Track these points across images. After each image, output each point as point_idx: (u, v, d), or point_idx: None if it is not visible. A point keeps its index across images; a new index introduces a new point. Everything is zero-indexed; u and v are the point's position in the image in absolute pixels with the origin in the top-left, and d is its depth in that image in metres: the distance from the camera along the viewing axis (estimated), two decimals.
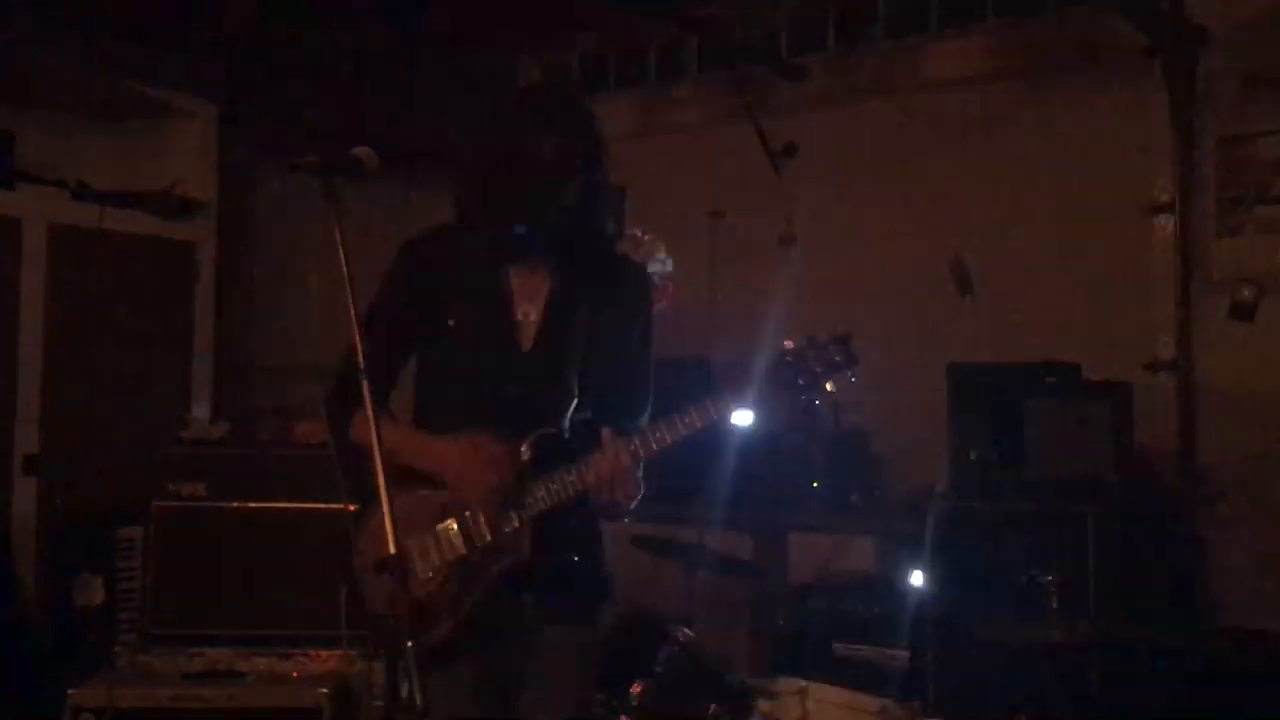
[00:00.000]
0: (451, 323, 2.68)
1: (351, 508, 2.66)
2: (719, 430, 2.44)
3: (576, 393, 2.67)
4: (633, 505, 2.58)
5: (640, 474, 2.60)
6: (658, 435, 2.45)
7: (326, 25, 5.99)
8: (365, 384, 2.24)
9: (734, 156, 6.20)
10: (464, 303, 2.69)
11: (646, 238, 5.66)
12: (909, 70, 5.92)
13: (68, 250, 5.75)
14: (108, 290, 5.88)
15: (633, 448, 2.46)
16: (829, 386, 2.39)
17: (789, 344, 2.41)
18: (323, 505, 4.73)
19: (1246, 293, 4.95)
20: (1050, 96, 5.48)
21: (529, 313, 2.68)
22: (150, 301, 6.08)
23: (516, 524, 2.53)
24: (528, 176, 2.59)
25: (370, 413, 2.22)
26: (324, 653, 4.61)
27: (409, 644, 2.13)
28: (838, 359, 2.40)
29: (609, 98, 6.89)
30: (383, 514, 2.52)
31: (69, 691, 4.44)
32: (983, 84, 5.69)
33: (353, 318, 2.29)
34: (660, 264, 5.71)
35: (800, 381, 2.38)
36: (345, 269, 2.29)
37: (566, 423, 2.66)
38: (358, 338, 2.27)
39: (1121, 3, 5.06)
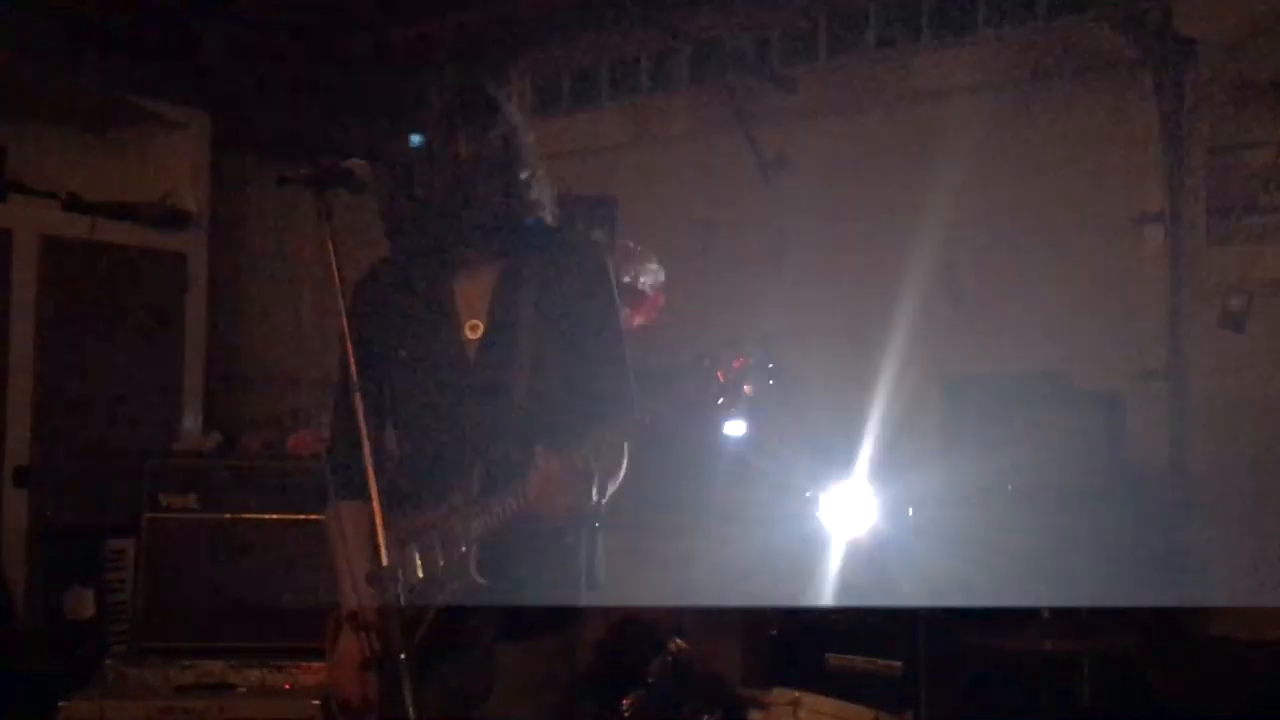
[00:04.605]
0: (403, 353, 2.66)
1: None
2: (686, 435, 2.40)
3: (530, 398, 2.58)
4: (585, 514, 2.54)
5: (623, 459, 2.59)
6: (597, 445, 2.41)
7: (318, 36, 6.00)
8: (358, 397, 2.23)
9: (725, 167, 6.22)
10: (413, 331, 2.67)
11: (638, 248, 5.66)
12: (899, 81, 5.94)
13: (59, 261, 5.73)
14: (99, 301, 5.86)
15: (569, 462, 2.40)
16: (746, 390, 2.33)
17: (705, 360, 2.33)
18: (314, 517, 4.72)
19: (1237, 303, 4.96)
20: (1040, 107, 5.48)
21: (476, 326, 2.64)
22: (142, 312, 6.06)
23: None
24: (443, 180, 2.55)
25: (361, 424, 2.21)
26: (316, 664, 4.60)
27: (402, 655, 2.13)
28: (751, 361, 2.31)
29: (601, 109, 6.90)
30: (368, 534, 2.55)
31: (60, 704, 4.43)
32: (973, 94, 5.70)
33: (344, 330, 2.29)
34: (652, 274, 5.71)
35: (712, 388, 2.31)
36: (337, 280, 2.29)
37: (526, 430, 2.56)
38: (350, 353, 2.26)
39: (1111, 14, 5.07)
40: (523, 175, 2.63)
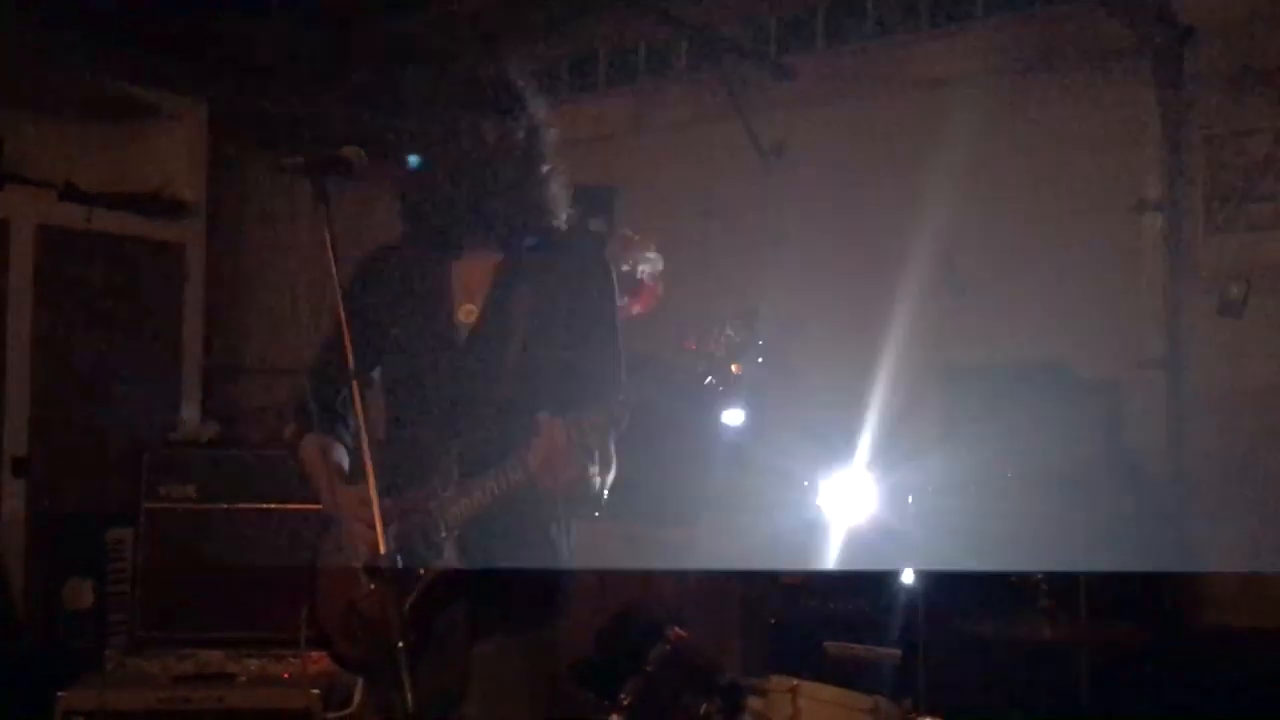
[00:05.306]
0: (395, 331, 2.67)
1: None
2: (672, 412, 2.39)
3: (516, 386, 2.59)
4: (589, 489, 2.51)
5: (611, 450, 2.58)
6: (591, 418, 2.41)
7: (315, 24, 5.98)
8: (355, 385, 2.23)
9: (724, 155, 6.21)
10: (408, 310, 2.68)
11: (637, 237, 5.65)
12: (898, 69, 5.92)
13: (56, 251, 5.73)
14: (96, 291, 5.86)
15: (569, 428, 2.40)
16: (735, 369, 2.32)
17: (691, 343, 2.34)
18: (312, 506, 4.71)
19: (1235, 290, 4.96)
20: (1038, 94, 5.47)
21: (470, 310, 2.65)
22: (139, 302, 6.06)
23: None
24: (464, 167, 2.57)
25: (359, 413, 2.21)
26: (314, 654, 4.59)
27: (400, 645, 2.12)
28: (738, 339, 2.31)
29: (599, 97, 6.89)
30: (346, 522, 2.55)
31: (60, 694, 4.43)
32: (971, 82, 5.69)
33: (341, 318, 2.29)
34: (651, 263, 5.70)
35: (700, 368, 2.32)
36: (334, 269, 2.28)
37: (512, 414, 2.56)
38: (347, 339, 2.26)
39: (1110, 1, 5.06)
40: (542, 170, 2.66)
